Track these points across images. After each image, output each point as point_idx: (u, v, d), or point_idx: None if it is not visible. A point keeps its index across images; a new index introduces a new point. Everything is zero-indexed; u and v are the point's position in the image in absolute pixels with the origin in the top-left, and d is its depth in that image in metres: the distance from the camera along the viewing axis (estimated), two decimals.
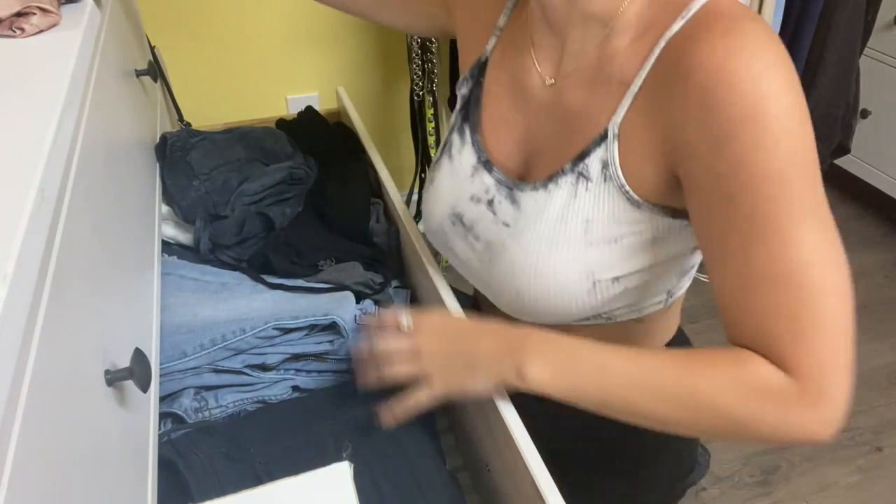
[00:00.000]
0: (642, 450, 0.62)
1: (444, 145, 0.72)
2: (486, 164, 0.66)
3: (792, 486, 1.48)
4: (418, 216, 1.94)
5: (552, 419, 0.62)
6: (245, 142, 0.97)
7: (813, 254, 0.48)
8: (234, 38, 1.72)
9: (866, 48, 1.60)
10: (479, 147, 0.67)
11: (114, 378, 0.48)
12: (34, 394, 0.34)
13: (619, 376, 0.52)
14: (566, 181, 0.58)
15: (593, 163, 0.56)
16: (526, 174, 0.65)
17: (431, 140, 1.80)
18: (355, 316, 0.78)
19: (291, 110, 1.85)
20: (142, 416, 0.56)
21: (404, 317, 0.62)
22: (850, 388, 0.50)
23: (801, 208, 0.48)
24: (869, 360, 1.77)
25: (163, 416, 0.70)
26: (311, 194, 0.93)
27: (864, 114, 2.02)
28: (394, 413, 0.63)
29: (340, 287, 0.81)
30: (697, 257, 0.65)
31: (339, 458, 0.59)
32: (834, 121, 1.57)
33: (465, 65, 0.72)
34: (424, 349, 0.61)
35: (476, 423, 0.70)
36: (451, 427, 0.88)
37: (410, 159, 1.90)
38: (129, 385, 0.51)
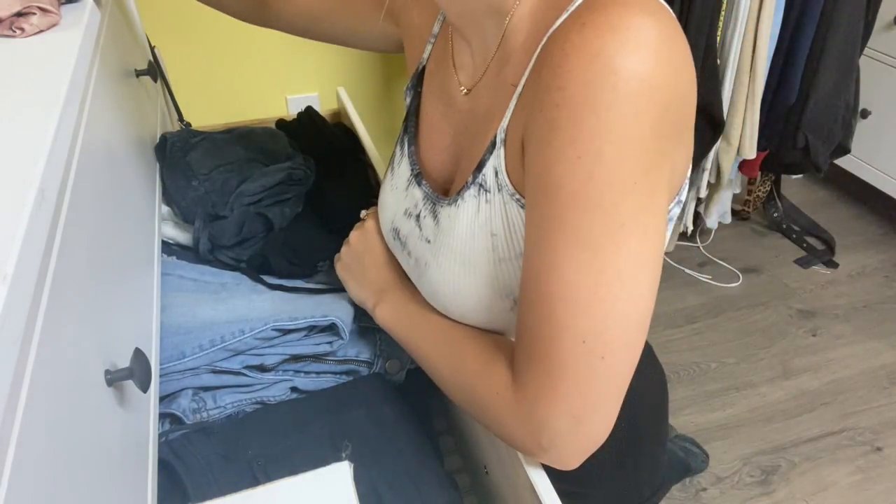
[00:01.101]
0: (591, 468, 0.55)
1: (391, 158, 0.71)
2: (418, 177, 0.64)
3: (792, 486, 1.48)
4: None
5: None
6: (245, 142, 0.97)
7: (568, 289, 0.44)
8: (234, 38, 1.72)
9: (866, 48, 1.60)
10: (412, 160, 0.65)
11: (114, 378, 0.48)
12: (34, 394, 0.34)
13: (430, 342, 0.62)
14: (470, 194, 0.54)
15: (489, 172, 0.52)
16: (451, 188, 0.61)
17: None
18: (354, 317, 0.78)
19: (291, 110, 1.85)
20: (142, 416, 0.56)
21: (364, 212, 0.77)
22: (568, 429, 0.47)
23: (581, 240, 0.43)
24: (869, 359, 1.77)
25: (161, 417, 0.70)
26: (311, 194, 0.93)
27: (864, 114, 2.02)
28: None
29: (339, 288, 0.81)
30: None
31: (336, 459, 0.59)
32: (834, 121, 1.57)
33: (409, 74, 0.71)
34: (350, 244, 0.76)
35: (474, 424, 0.71)
36: (450, 428, 0.88)
37: None
38: (129, 385, 0.51)
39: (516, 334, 0.51)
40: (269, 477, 0.64)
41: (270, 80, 1.81)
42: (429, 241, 0.61)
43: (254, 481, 0.64)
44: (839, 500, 1.45)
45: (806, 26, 1.48)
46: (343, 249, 0.77)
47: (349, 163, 0.99)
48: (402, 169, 0.66)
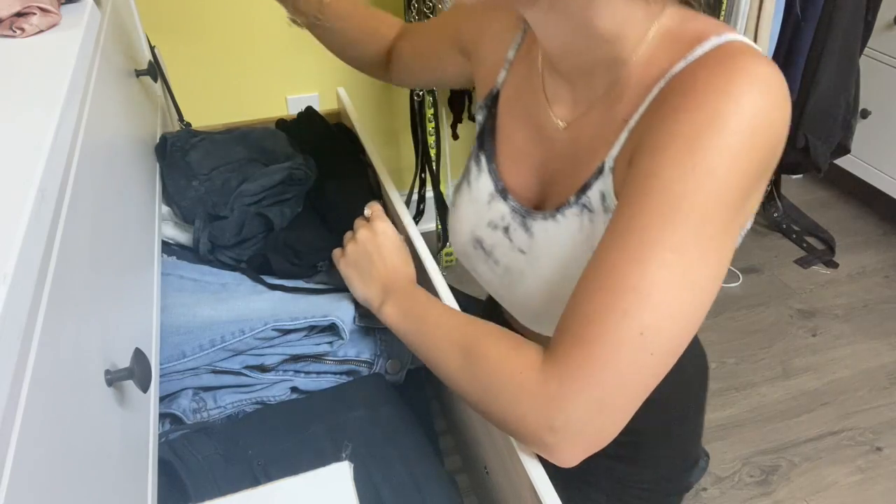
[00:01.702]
0: (645, 436, 0.65)
1: (464, 172, 0.76)
2: (503, 192, 0.69)
3: (792, 486, 1.48)
4: (418, 216, 1.94)
5: None
6: (245, 142, 0.97)
7: (645, 283, 0.47)
8: (234, 38, 1.72)
9: (866, 48, 1.60)
10: (495, 176, 0.70)
11: (114, 378, 0.48)
12: (34, 394, 0.34)
13: (440, 333, 0.60)
14: (572, 212, 0.60)
15: (594, 195, 0.58)
16: (541, 204, 0.67)
17: (431, 140, 1.80)
18: (354, 317, 0.78)
19: (291, 110, 1.85)
20: (142, 416, 0.56)
21: (368, 208, 0.78)
22: (587, 416, 0.48)
23: (672, 241, 0.47)
24: (869, 360, 1.77)
25: (161, 417, 0.70)
26: (311, 195, 0.93)
27: (864, 114, 2.02)
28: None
29: (339, 288, 0.81)
30: None
31: (336, 460, 0.59)
32: (834, 121, 1.57)
33: (480, 95, 0.75)
34: (357, 240, 0.75)
35: (474, 424, 0.71)
36: (450, 428, 0.88)
37: (410, 159, 1.90)
38: (130, 385, 0.51)
39: (564, 317, 0.51)
40: (270, 477, 0.64)
41: (270, 80, 1.81)
42: (523, 252, 0.66)
43: (254, 481, 0.64)
44: (839, 500, 1.45)
45: (806, 26, 1.48)
46: (349, 246, 0.76)
47: (349, 163, 0.99)
48: (482, 184, 0.71)
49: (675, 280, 0.47)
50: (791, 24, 1.48)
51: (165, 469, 0.63)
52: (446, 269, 2.02)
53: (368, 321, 0.79)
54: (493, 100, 0.72)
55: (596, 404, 0.48)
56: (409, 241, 0.85)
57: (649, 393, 0.49)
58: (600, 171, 0.57)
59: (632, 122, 0.55)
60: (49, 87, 0.53)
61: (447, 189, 1.98)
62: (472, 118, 1.82)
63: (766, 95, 0.47)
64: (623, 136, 0.56)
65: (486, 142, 0.72)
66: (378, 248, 0.74)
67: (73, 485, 0.38)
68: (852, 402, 1.66)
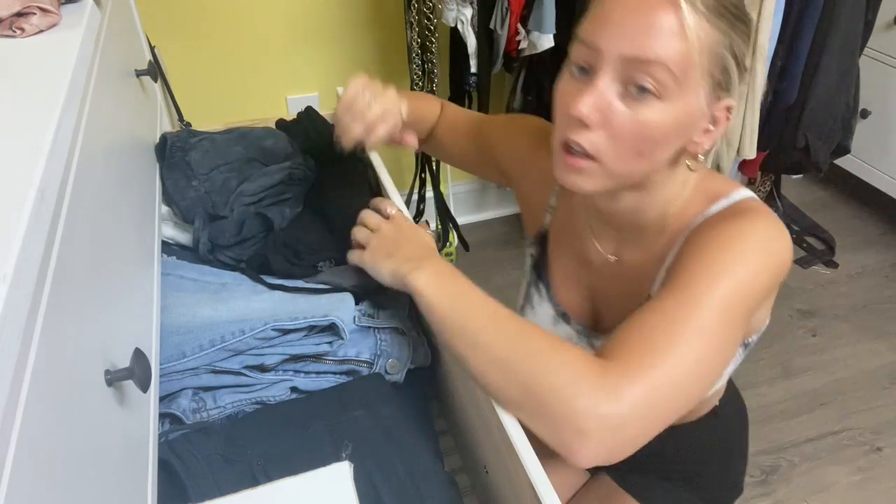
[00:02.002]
0: (698, 456, 0.76)
1: (525, 296, 0.88)
2: (564, 316, 0.82)
3: (792, 486, 1.48)
4: (418, 217, 1.94)
5: None
6: (244, 142, 0.97)
7: (707, 327, 0.57)
8: (234, 38, 1.72)
9: (866, 48, 1.60)
10: (554, 302, 0.83)
11: (114, 378, 0.48)
12: (34, 394, 0.34)
13: (481, 312, 0.61)
14: None
15: None
16: (595, 324, 0.81)
17: None
18: (354, 317, 0.78)
19: (291, 110, 1.85)
20: (142, 416, 0.56)
21: (390, 207, 0.77)
22: (637, 415, 0.53)
23: (730, 314, 0.58)
24: (869, 359, 1.77)
25: (161, 417, 0.70)
26: (311, 194, 0.93)
27: (864, 114, 2.02)
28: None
29: (339, 288, 0.81)
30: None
31: (336, 460, 0.59)
32: (834, 121, 1.57)
33: (528, 226, 0.88)
34: (379, 230, 0.75)
35: (474, 424, 0.71)
36: (450, 429, 0.88)
37: (410, 159, 1.90)
38: (129, 385, 0.51)
39: (624, 330, 0.59)
40: (270, 477, 0.64)
41: (270, 80, 1.81)
42: None
43: (254, 481, 0.64)
44: (839, 500, 1.45)
45: (806, 26, 1.48)
46: (373, 239, 0.74)
47: (349, 163, 0.99)
48: (545, 308, 0.85)
49: (701, 322, 0.57)
50: (791, 24, 1.48)
51: (165, 469, 0.63)
52: None
53: (368, 321, 0.79)
54: (542, 239, 0.85)
55: (645, 408, 0.53)
56: None
57: (670, 423, 0.56)
58: (647, 299, 0.70)
59: (668, 261, 0.69)
60: (49, 87, 0.53)
61: (447, 189, 1.98)
62: None
63: (780, 238, 0.63)
64: (661, 272, 0.70)
65: (542, 273, 0.85)
66: (404, 230, 0.74)
67: (73, 485, 0.38)
68: (852, 402, 1.66)
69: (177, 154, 0.91)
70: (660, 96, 0.59)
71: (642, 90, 0.59)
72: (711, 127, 0.64)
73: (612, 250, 0.77)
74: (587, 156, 0.62)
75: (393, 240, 0.73)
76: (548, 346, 0.56)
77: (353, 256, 0.77)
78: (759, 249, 0.60)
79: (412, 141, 0.87)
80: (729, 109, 0.64)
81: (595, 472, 0.99)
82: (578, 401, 0.53)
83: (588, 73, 0.62)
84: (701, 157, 0.67)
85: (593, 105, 0.60)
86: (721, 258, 0.59)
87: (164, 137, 0.94)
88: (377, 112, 0.80)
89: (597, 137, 0.61)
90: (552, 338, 0.58)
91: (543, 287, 0.85)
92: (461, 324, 0.60)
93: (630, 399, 0.53)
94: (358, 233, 0.77)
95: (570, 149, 0.63)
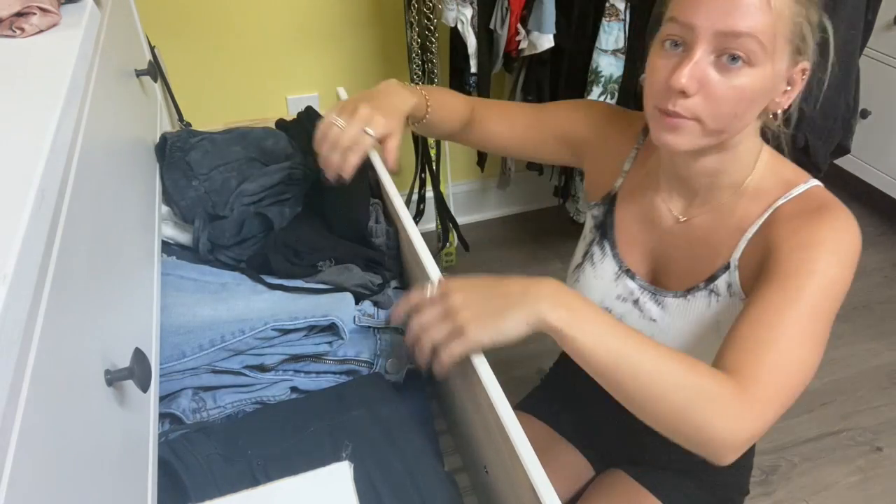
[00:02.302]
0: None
1: (586, 254, 0.92)
2: (628, 272, 0.87)
3: (792, 486, 1.48)
4: (418, 217, 1.94)
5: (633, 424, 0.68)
6: (244, 142, 0.97)
7: (821, 339, 0.66)
8: (234, 38, 1.72)
9: (866, 48, 1.60)
10: (619, 259, 0.88)
11: (114, 378, 0.48)
12: (34, 394, 0.34)
13: (630, 342, 0.61)
14: (701, 295, 0.80)
15: (721, 284, 0.78)
16: (655, 281, 0.86)
17: (431, 140, 1.80)
18: (354, 317, 0.78)
19: (291, 110, 1.85)
20: (142, 416, 0.56)
21: (427, 287, 0.65)
22: (770, 419, 0.62)
23: (831, 310, 0.67)
24: (869, 360, 1.77)
25: (161, 417, 0.70)
26: (311, 194, 0.93)
27: (864, 114, 2.02)
28: (438, 369, 0.64)
29: (339, 288, 0.81)
30: None
31: (336, 460, 0.59)
32: (834, 121, 1.57)
33: (594, 192, 0.93)
34: (455, 305, 0.63)
35: (474, 424, 0.71)
36: (450, 428, 0.88)
37: (410, 159, 1.90)
38: (129, 385, 0.51)
39: (752, 342, 0.65)
40: (270, 477, 0.64)
41: (270, 80, 1.81)
42: (653, 320, 0.84)
43: (254, 481, 0.64)
44: (839, 500, 1.45)
45: None
46: (462, 313, 0.62)
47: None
48: (608, 264, 0.89)
49: (817, 338, 0.66)
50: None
51: (165, 469, 0.63)
52: (446, 269, 2.03)
53: (368, 321, 0.79)
54: (611, 200, 0.90)
55: (774, 419, 0.62)
56: (408, 242, 0.85)
57: None
58: (726, 266, 0.77)
59: (749, 234, 0.76)
60: (49, 87, 0.53)
61: (447, 189, 1.98)
62: None
63: (854, 225, 0.70)
64: (742, 243, 0.76)
65: (607, 232, 0.90)
66: (485, 282, 0.65)
67: (73, 485, 0.38)
68: (852, 402, 1.66)
69: (177, 154, 0.91)
70: (750, 64, 0.66)
71: (734, 59, 0.66)
72: (788, 87, 0.71)
73: (680, 212, 0.82)
74: (679, 116, 0.69)
75: (475, 302, 0.63)
76: (693, 374, 0.61)
77: (455, 348, 0.62)
78: (849, 251, 0.69)
79: (391, 167, 0.85)
80: (804, 72, 0.71)
81: (608, 466, 1.00)
82: (727, 431, 0.60)
83: (682, 47, 0.69)
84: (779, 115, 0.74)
85: (691, 76, 0.67)
86: (824, 261, 0.67)
87: (164, 137, 0.94)
88: (347, 142, 0.77)
89: (693, 104, 0.68)
90: (692, 364, 0.62)
91: (608, 244, 0.89)
92: (613, 363, 0.61)
93: (766, 419, 0.62)
94: (431, 337, 0.63)
95: (668, 112, 0.69)
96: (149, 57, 1.09)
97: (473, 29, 1.56)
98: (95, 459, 0.43)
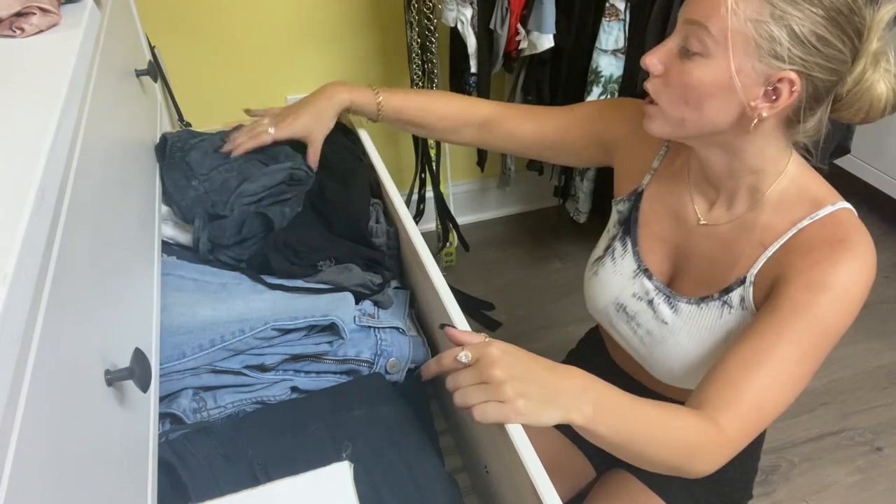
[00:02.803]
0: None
1: (608, 248, 0.92)
2: (646, 271, 0.88)
3: (792, 486, 1.48)
4: (418, 217, 1.94)
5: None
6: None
7: (805, 380, 0.71)
8: (234, 38, 1.72)
9: None
10: (638, 258, 0.89)
11: (114, 378, 0.48)
12: (34, 394, 0.34)
13: (637, 423, 0.64)
14: (714, 305, 0.80)
15: (735, 297, 0.78)
16: (671, 282, 0.87)
17: (431, 140, 1.80)
18: (354, 317, 0.78)
19: None
20: (142, 416, 0.56)
21: (463, 354, 0.62)
22: (740, 447, 0.68)
23: (822, 353, 0.71)
24: (869, 360, 1.77)
25: (161, 417, 0.70)
26: (311, 195, 0.93)
27: None
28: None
29: (339, 288, 0.81)
30: None
31: (336, 459, 0.59)
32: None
33: (621, 188, 0.93)
34: (497, 377, 0.59)
35: (474, 424, 0.70)
36: (450, 428, 0.88)
37: (410, 159, 1.89)
38: (129, 385, 0.51)
39: (727, 388, 0.68)
40: (270, 477, 0.64)
41: (270, 80, 1.80)
42: (665, 322, 0.85)
43: (254, 481, 0.64)
44: (839, 500, 1.45)
45: None
46: (499, 378, 0.59)
47: (349, 163, 0.99)
48: (627, 261, 0.89)
49: (800, 378, 0.71)
50: None
51: (166, 469, 0.63)
52: (446, 269, 2.02)
53: (368, 320, 0.79)
54: (637, 196, 0.90)
55: (744, 444, 0.69)
56: (408, 242, 0.85)
57: None
58: (742, 281, 0.78)
59: (769, 252, 0.76)
60: (49, 87, 0.53)
61: (447, 189, 1.98)
62: None
63: (870, 266, 0.71)
64: (761, 260, 0.76)
65: (630, 228, 0.90)
66: (522, 358, 0.63)
67: (73, 484, 0.38)
68: (852, 402, 1.66)
69: (177, 154, 0.91)
70: (703, 55, 0.69)
71: (689, 47, 0.69)
72: (773, 96, 0.70)
73: (705, 213, 0.84)
74: (652, 102, 0.75)
75: (521, 376, 0.61)
76: (683, 436, 0.65)
77: (493, 415, 0.59)
78: (856, 297, 0.71)
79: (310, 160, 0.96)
80: (792, 83, 0.68)
81: (611, 467, 1.00)
82: (708, 468, 0.68)
83: None
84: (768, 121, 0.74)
85: (658, 58, 0.72)
86: (828, 306, 0.70)
87: (164, 137, 0.94)
88: (251, 132, 0.95)
89: (655, 84, 0.73)
90: (683, 423, 0.66)
91: (630, 241, 0.90)
92: (624, 443, 0.64)
93: (740, 448, 0.68)
94: (459, 380, 0.62)
95: (644, 92, 0.75)
96: (149, 57, 1.09)
97: (473, 29, 1.56)
98: (95, 459, 0.43)
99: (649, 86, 0.74)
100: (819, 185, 0.77)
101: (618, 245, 0.92)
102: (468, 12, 1.54)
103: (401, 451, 0.68)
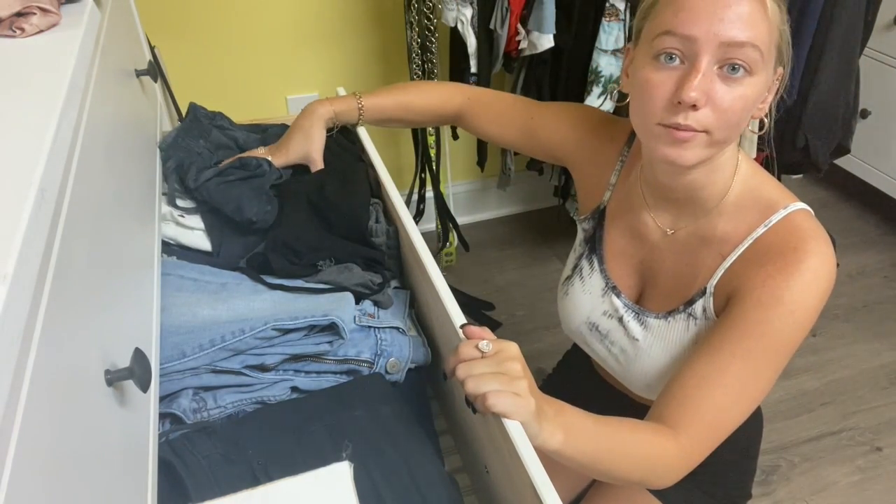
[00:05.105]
0: (717, 457, 0.76)
1: (576, 268, 0.93)
2: (614, 289, 0.87)
3: (792, 486, 1.48)
4: (418, 216, 1.94)
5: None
6: (258, 137, 1.02)
7: (761, 394, 0.71)
8: (234, 38, 1.72)
9: (866, 48, 1.60)
10: (606, 276, 0.88)
11: (114, 378, 0.48)
12: (34, 394, 0.34)
13: (602, 444, 0.65)
14: (681, 318, 0.80)
15: (698, 308, 0.79)
16: (640, 298, 0.87)
17: (431, 140, 1.80)
18: (354, 317, 0.78)
19: (291, 110, 1.85)
20: (142, 416, 0.56)
21: (485, 343, 0.62)
22: (699, 461, 0.71)
23: (777, 367, 0.71)
24: (869, 360, 1.77)
25: (161, 417, 0.70)
26: (311, 194, 0.93)
27: (864, 114, 2.02)
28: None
29: (339, 288, 0.81)
30: None
31: (336, 459, 0.59)
32: (834, 121, 1.57)
33: (584, 205, 0.94)
34: (515, 371, 0.60)
35: (475, 424, 0.71)
36: (450, 428, 0.88)
37: (410, 159, 1.89)
38: (129, 385, 0.51)
39: (688, 404, 0.70)
40: (270, 477, 0.64)
41: (270, 80, 1.81)
42: (636, 339, 0.85)
43: (254, 481, 0.64)
44: (839, 500, 1.45)
45: (806, 26, 1.48)
46: (517, 372, 0.60)
47: (349, 163, 0.99)
48: (595, 280, 0.89)
49: (756, 393, 0.71)
50: (791, 24, 1.48)
51: (166, 469, 0.63)
52: (446, 269, 2.02)
53: (368, 320, 0.79)
54: (600, 214, 0.90)
55: (703, 457, 0.71)
56: (408, 241, 0.85)
57: None
58: (703, 292, 0.78)
59: (727, 262, 0.76)
60: (49, 87, 0.53)
61: (447, 189, 1.98)
62: None
63: (824, 275, 0.70)
64: (720, 271, 0.76)
65: (596, 246, 0.90)
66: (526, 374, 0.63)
67: (72, 484, 0.38)
68: (852, 402, 1.66)
69: (205, 121, 0.97)
70: (751, 73, 0.66)
71: (735, 69, 0.66)
72: (767, 93, 0.71)
73: (668, 225, 0.82)
74: (688, 129, 0.68)
75: (530, 386, 0.61)
76: (644, 452, 0.67)
77: (502, 404, 0.59)
78: (811, 307, 0.70)
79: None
80: (780, 77, 0.72)
81: None
82: (672, 479, 0.70)
83: (680, 59, 0.67)
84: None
85: (700, 88, 0.66)
86: (781, 320, 0.69)
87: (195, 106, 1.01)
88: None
89: (703, 115, 0.67)
90: (644, 440, 0.67)
91: (596, 260, 0.90)
92: (591, 463, 0.65)
93: (700, 460, 0.70)
94: (474, 369, 0.61)
95: (678, 126, 0.68)
96: (149, 57, 1.09)
97: (473, 29, 1.56)
98: (95, 459, 0.43)
99: (692, 121, 0.67)
100: (770, 187, 0.76)
101: (585, 264, 0.91)
102: (468, 12, 1.54)
103: (401, 451, 0.68)
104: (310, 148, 0.95)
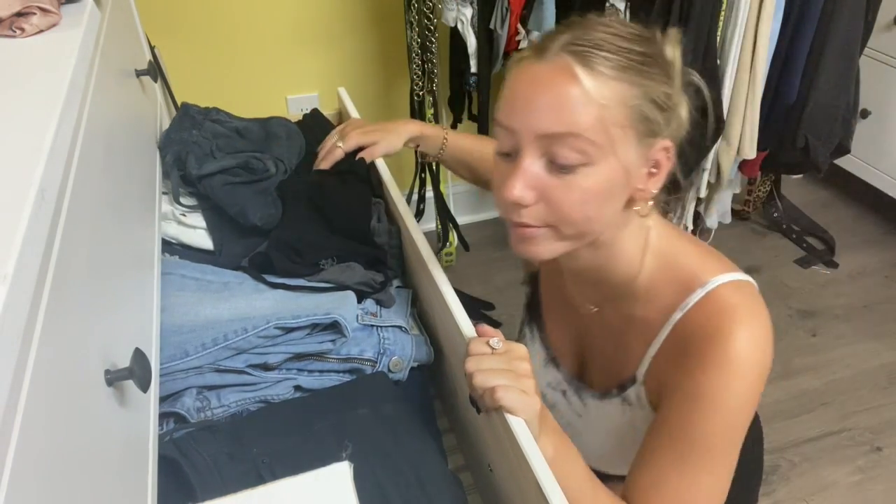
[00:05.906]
0: None
1: (520, 333, 0.90)
2: (554, 360, 0.84)
3: (792, 486, 1.48)
4: (418, 216, 1.94)
5: None
6: (260, 125, 1.03)
7: (714, 497, 0.65)
8: (234, 39, 1.72)
9: (866, 48, 1.60)
10: (546, 345, 0.85)
11: (114, 378, 0.48)
12: (34, 394, 0.34)
13: (573, 482, 0.62)
14: (616, 402, 0.77)
15: (632, 395, 0.75)
16: (581, 372, 0.83)
17: None
18: (357, 315, 0.78)
19: (292, 110, 1.85)
20: (142, 415, 0.56)
21: (496, 340, 0.63)
22: None
23: (719, 466, 0.65)
24: (869, 360, 1.77)
25: (165, 416, 0.70)
26: (312, 193, 0.93)
27: (864, 114, 2.02)
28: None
29: (341, 287, 0.81)
30: None
31: (339, 459, 0.59)
32: (834, 121, 1.57)
33: (524, 265, 0.90)
34: (524, 370, 0.62)
35: (478, 423, 0.70)
36: (453, 427, 0.88)
37: (411, 159, 1.90)
38: (130, 385, 0.51)
39: (644, 487, 0.66)
40: (275, 475, 0.64)
41: (270, 80, 1.80)
42: (579, 415, 0.82)
43: (260, 480, 0.64)
44: (839, 500, 1.45)
45: (806, 26, 1.48)
46: (526, 371, 0.62)
47: (350, 162, 0.99)
48: (537, 348, 0.86)
49: (705, 500, 0.65)
50: (791, 24, 1.48)
51: (171, 467, 0.63)
52: (446, 269, 2.02)
53: (371, 319, 0.79)
54: (535, 279, 0.86)
55: None
56: (409, 240, 0.85)
57: None
58: (633, 380, 0.74)
59: (651, 351, 0.71)
60: (49, 86, 0.53)
61: (447, 189, 1.98)
62: (472, 118, 1.82)
63: (755, 356, 0.64)
64: (646, 360, 0.72)
65: (533, 314, 0.87)
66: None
67: (73, 484, 0.38)
68: (852, 402, 1.66)
69: (199, 116, 0.98)
70: (587, 163, 0.60)
71: (563, 162, 0.59)
72: (654, 170, 0.65)
73: (592, 302, 0.77)
74: (527, 226, 0.63)
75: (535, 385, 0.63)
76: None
77: (508, 399, 0.60)
78: (746, 384, 0.64)
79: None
80: (668, 150, 0.64)
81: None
82: None
83: (512, 154, 0.63)
84: (650, 204, 0.68)
85: (524, 186, 0.61)
86: (706, 413, 0.64)
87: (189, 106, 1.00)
88: (325, 149, 0.96)
89: (538, 211, 0.62)
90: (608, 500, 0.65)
91: (536, 328, 0.86)
92: (564, 489, 0.61)
93: None
94: (483, 363, 0.62)
95: (517, 223, 0.64)
96: (149, 57, 1.09)
97: (473, 29, 1.56)
98: (95, 459, 0.43)
99: (527, 218, 0.62)
100: (690, 259, 0.70)
101: (527, 331, 0.88)
102: (468, 12, 1.54)
103: (405, 449, 0.68)
104: (382, 140, 0.93)
